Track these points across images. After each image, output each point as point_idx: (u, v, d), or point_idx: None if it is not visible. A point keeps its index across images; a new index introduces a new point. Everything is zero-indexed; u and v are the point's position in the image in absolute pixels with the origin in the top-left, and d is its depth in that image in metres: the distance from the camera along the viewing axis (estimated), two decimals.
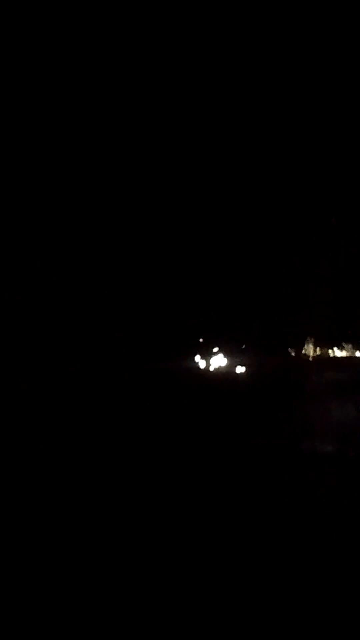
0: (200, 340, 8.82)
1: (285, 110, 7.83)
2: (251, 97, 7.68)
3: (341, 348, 8.64)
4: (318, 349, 8.67)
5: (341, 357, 8.63)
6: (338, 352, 8.66)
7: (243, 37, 7.39)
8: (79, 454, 6.80)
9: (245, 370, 8.77)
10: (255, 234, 8.43)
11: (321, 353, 8.66)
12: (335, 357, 8.65)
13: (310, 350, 8.67)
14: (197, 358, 8.81)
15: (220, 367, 8.83)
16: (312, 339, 8.70)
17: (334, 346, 8.65)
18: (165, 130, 7.64)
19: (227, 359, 8.86)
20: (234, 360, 8.85)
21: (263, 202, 8.33)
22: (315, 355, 8.65)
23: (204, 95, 7.58)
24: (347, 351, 8.65)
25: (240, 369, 8.74)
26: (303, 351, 8.70)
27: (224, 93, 7.62)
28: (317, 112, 7.86)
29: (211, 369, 8.85)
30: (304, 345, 8.66)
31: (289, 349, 8.71)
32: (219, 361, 8.85)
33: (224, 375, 8.78)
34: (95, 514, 5.16)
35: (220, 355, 8.85)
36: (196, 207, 8.28)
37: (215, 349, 8.82)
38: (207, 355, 8.89)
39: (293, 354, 8.70)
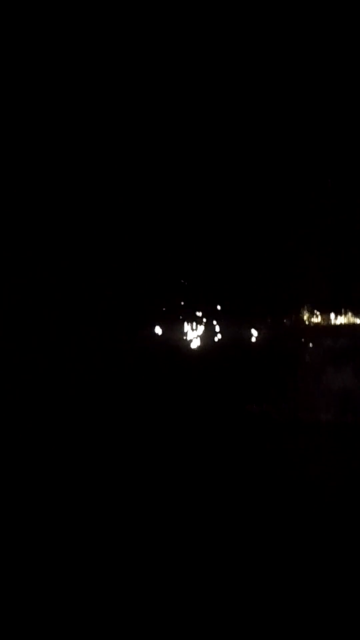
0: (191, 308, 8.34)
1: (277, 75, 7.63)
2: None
3: (341, 314, 8.13)
4: (316, 316, 8.15)
5: (340, 324, 8.11)
6: (338, 319, 8.14)
7: (242, 34, 7.39)
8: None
9: (239, 339, 8.31)
10: (249, 193, 7.98)
11: (320, 320, 8.14)
12: (334, 325, 8.13)
13: (307, 317, 8.16)
14: (186, 326, 8.33)
15: (208, 336, 8.35)
16: (309, 306, 8.18)
17: (332, 313, 8.14)
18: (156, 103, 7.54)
19: (219, 327, 8.38)
20: (225, 328, 8.39)
21: (256, 162, 8.03)
22: (312, 323, 8.14)
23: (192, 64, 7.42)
24: (347, 318, 8.14)
25: (230, 337, 8.28)
26: (300, 318, 8.20)
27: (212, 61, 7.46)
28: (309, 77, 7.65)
29: (198, 338, 8.36)
30: (300, 313, 8.15)
31: (284, 317, 8.20)
32: (208, 329, 8.37)
33: (215, 344, 8.30)
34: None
35: (210, 322, 8.37)
36: (186, 168, 8.02)
37: (204, 318, 8.34)
38: (195, 322, 8.41)
39: (288, 321, 8.19)
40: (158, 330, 8.21)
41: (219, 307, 8.50)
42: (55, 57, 6.96)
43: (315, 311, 8.18)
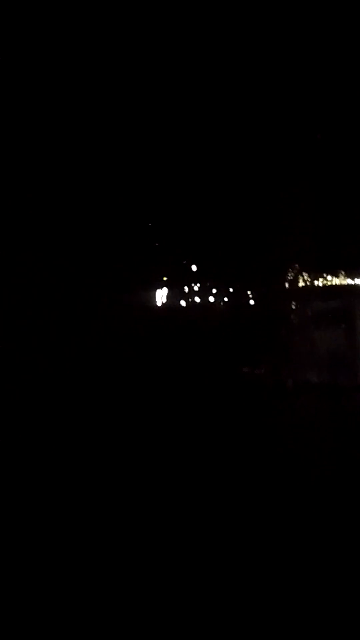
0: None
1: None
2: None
3: (332, 275, 8.02)
4: (305, 276, 8.06)
5: (331, 286, 8.01)
6: (329, 280, 8.04)
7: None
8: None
9: (223, 303, 8.25)
10: (234, 153, 7.82)
11: (310, 281, 8.05)
12: (324, 286, 8.03)
13: (295, 278, 8.07)
14: (171, 291, 8.27)
15: (191, 300, 8.29)
16: (297, 266, 8.07)
17: (323, 273, 8.03)
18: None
19: (201, 290, 8.31)
20: (206, 292, 8.32)
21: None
22: (303, 284, 8.05)
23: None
24: (339, 278, 8.03)
25: (214, 300, 8.22)
26: (287, 280, 8.10)
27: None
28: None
29: (186, 303, 8.30)
30: (288, 274, 8.05)
31: (274, 278, 8.10)
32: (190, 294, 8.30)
33: (201, 308, 8.24)
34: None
35: (193, 287, 8.30)
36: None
37: (192, 282, 8.26)
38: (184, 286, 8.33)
39: (278, 283, 8.10)
40: (145, 296, 8.16)
41: (207, 272, 8.40)
42: (54, 56, 7.00)
43: (305, 272, 8.07)
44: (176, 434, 5.51)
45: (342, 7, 6.90)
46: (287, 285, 8.09)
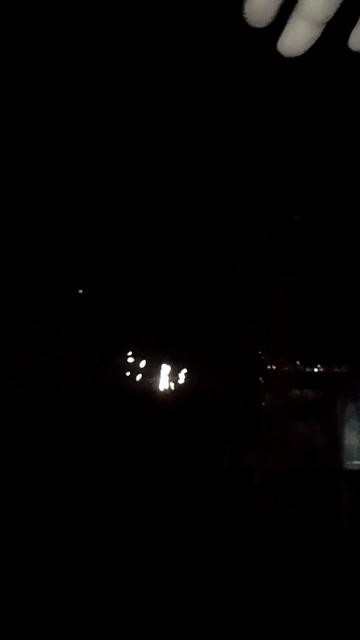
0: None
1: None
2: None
3: (309, 362, 7.25)
4: (281, 363, 7.28)
5: (309, 372, 7.23)
6: (306, 368, 7.26)
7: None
8: None
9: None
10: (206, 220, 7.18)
11: (286, 368, 7.26)
12: (302, 373, 7.25)
13: (271, 365, 7.30)
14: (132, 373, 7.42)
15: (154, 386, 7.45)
16: (273, 353, 7.32)
17: (300, 360, 7.27)
18: None
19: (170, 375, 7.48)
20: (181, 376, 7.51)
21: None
22: (277, 371, 7.26)
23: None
24: (317, 367, 7.27)
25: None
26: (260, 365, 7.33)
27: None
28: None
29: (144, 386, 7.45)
30: (261, 358, 7.29)
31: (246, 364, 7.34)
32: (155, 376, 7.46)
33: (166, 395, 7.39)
34: None
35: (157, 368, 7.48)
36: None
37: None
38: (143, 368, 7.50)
39: (251, 368, 7.32)
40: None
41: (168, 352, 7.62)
42: (54, 56, 6.80)
43: (280, 359, 7.31)
44: None
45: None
46: (259, 370, 7.31)
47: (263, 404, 7.19)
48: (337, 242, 6.95)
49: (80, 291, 7.46)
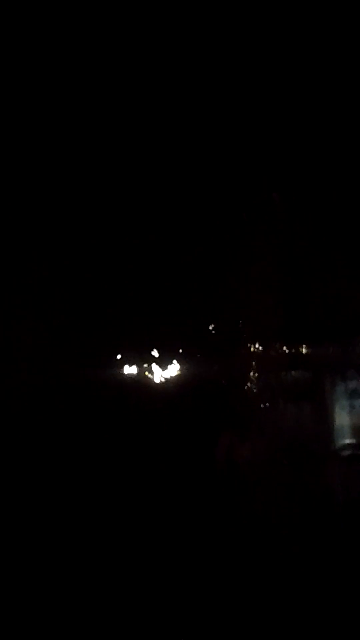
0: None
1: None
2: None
3: (297, 343, 7.27)
4: (267, 344, 7.29)
5: (297, 354, 7.24)
6: (294, 348, 7.27)
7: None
8: None
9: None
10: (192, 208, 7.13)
11: (273, 349, 7.27)
12: (289, 354, 7.26)
13: (257, 346, 7.30)
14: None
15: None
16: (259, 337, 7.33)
17: (287, 341, 7.27)
18: None
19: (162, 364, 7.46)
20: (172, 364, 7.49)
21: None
22: (263, 353, 7.27)
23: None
24: (300, 348, 7.29)
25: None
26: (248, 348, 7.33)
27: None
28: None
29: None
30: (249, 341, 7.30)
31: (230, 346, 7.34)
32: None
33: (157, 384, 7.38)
34: None
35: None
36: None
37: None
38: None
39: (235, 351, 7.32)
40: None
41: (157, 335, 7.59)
42: (54, 56, 6.89)
43: (267, 339, 7.31)
44: None
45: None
46: (247, 353, 7.31)
47: (252, 387, 7.22)
48: (318, 222, 6.95)
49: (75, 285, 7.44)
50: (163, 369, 7.44)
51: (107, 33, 6.79)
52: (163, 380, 7.45)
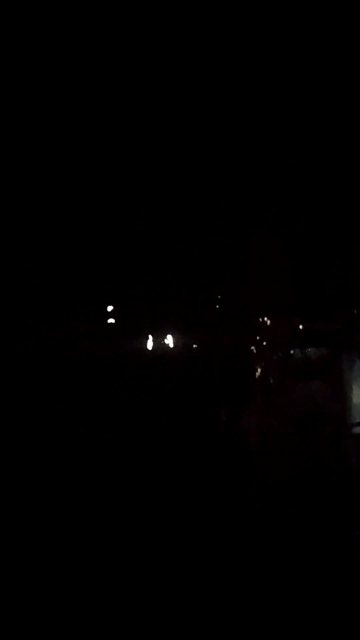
0: None
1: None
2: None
3: (312, 319, 7.17)
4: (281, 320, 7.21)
5: (312, 331, 7.15)
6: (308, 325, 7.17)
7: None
8: None
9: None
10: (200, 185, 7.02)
11: (287, 325, 7.19)
12: (304, 331, 7.17)
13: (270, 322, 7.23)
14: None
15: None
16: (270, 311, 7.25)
17: (301, 317, 7.18)
18: None
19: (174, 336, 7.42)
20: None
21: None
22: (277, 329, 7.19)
23: None
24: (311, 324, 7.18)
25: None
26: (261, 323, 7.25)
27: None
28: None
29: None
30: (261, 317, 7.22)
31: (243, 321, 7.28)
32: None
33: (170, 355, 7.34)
34: None
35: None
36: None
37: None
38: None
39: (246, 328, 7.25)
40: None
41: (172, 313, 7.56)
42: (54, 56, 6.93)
43: (280, 315, 7.23)
44: None
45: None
46: (260, 329, 7.24)
47: (264, 364, 7.15)
48: (329, 204, 6.83)
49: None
50: (171, 343, 7.42)
51: (107, 32, 6.79)
52: (172, 352, 7.42)
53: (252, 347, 7.22)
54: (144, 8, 6.90)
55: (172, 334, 7.42)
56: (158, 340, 7.48)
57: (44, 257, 7.04)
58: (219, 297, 7.36)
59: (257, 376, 7.05)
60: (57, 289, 7.18)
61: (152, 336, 7.45)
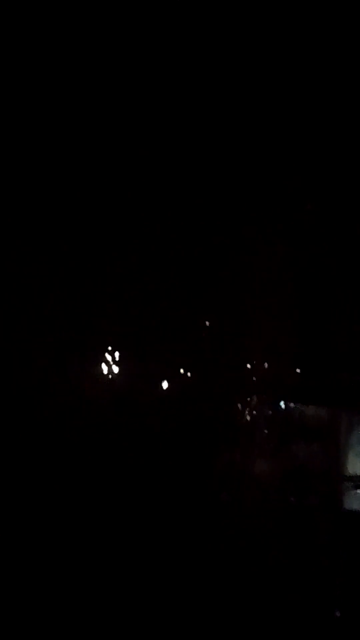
0: None
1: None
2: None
3: (310, 375, 6.65)
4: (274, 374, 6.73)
5: (308, 389, 6.62)
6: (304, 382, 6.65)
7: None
8: None
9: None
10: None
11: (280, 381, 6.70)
12: (299, 388, 6.65)
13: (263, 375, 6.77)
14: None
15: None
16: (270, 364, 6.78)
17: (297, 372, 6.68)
18: None
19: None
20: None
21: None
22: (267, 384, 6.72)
23: None
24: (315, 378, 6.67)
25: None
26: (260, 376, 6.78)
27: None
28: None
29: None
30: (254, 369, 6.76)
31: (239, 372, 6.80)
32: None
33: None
34: None
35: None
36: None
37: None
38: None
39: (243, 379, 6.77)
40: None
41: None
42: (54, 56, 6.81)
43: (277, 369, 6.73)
44: None
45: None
46: (259, 377, 6.76)
47: (257, 418, 6.67)
48: (337, 250, 6.33)
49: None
50: (168, 390, 6.98)
51: (107, 32, 6.66)
52: (166, 400, 6.98)
53: (248, 398, 6.75)
54: (144, 8, 6.75)
55: (166, 379, 6.99)
56: (151, 383, 7.05)
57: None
58: (218, 339, 6.90)
59: (248, 429, 6.61)
60: (50, 321, 6.88)
61: (146, 378, 7.02)
